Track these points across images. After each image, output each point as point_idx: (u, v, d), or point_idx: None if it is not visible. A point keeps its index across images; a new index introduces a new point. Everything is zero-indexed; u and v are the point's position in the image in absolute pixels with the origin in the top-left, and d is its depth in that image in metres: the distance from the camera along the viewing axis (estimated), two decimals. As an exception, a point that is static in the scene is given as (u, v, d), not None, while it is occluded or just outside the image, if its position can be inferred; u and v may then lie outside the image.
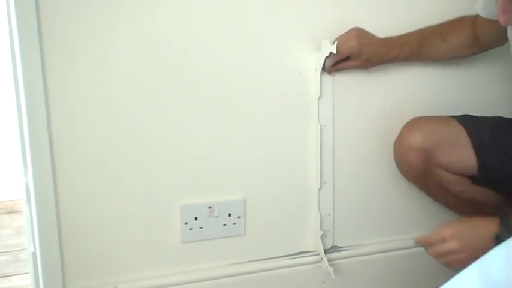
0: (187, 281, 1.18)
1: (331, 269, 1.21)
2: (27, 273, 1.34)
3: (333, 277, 1.21)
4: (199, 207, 1.16)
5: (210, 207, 1.16)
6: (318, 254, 1.25)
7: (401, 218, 1.33)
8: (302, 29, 1.16)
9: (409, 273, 1.35)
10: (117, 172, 1.10)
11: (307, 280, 1.27)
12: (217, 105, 1.13)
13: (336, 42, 1.09)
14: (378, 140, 1.26)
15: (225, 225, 1.19)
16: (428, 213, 1.32)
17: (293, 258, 1.25)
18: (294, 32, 1.15)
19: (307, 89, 1.18)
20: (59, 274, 1.09)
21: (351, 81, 1.21)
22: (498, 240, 0.89)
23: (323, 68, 1.15)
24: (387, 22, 1.19)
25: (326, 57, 1.13)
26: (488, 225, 0.91)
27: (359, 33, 1.14)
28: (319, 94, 1.18)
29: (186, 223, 1.16)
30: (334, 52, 1.09)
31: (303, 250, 1.26)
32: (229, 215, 1.18)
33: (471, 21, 1.17)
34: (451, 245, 0.96)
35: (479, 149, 1.10)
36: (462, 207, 1.21)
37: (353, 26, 1.15)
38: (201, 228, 1.17)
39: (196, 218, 1.16)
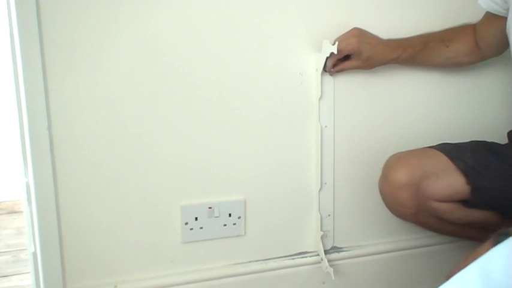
0: (187, 281, 1.18)
1: (331, 270, 1.21)
2: (28, 273, 1.34)
3: (333, 278, 1.21)
4: (199, 207, 1.16)
5: (210, 208, 1.16)
6: (318, 255, 1.25)
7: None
8: (303, 29, 1.16)
9: (409, 274, 1.35)
10: (118, 172, 1.10)
11: (307, 281, 1.27)
12: (217, 105, 1.13)
13: (336, 43, 1.10)
14: (378, 141, 1.26)
15: (225, 225, 1.19)
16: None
17: (293, 258, 1.26)
18: (295, 32, 1.15)
19: (308, 90, 1.18)
20: (59, 274, 1.09)
21: (351, 82, 1.21)
22: None
23: (324, 69, 1.15)
24: (389, 23, 1.20)
25: (327, 58, 1.13)
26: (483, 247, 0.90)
27: (359, 33, 1.14)
28: (320, 95, 1.18)
29: (186, 223, 1.16)
30: (335, 52, 1.10)
31: (303, 251, 1.26)
32: (230, 215, 1.18)
33: (472, 29, 1.18)
34: None
35: (467, 171, 1.09)
36: (464, 233, 1.20)
37: (354, 26, 1.15)
38: (201, 228, 1.17)
39: (196, 218, 1.16)
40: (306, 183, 1.23)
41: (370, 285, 1.32)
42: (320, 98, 1.18)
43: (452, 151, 1.13)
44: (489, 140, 1.19)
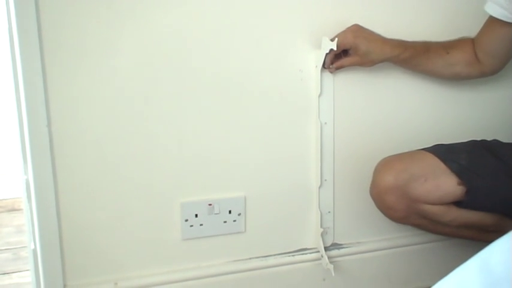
0: (187, 278, 1.18)
1: (331, 266, 1.21)
2: (28, 270, 1.34)
3: (333, 274, 1.21)
4: (199, 204, 1.16)
5: (210, 205, 1.17)
6: (318, 252, 1.25)
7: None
8: (302, 26, 1.15)
9: (409, 270, 1.35)
10: (118, 169, 1.10)
11: (307, 277, 1.27)
12: (217, 102, 1.13)
13: (336, 39, 1.09)
14: (378, 137, 1.26)
15: (225, 222, 1.19)
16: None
17: (293, 255, 1.26)
18: (294, 29, 1.15)
19: (308, 87, 1.18)
20: (59, 271, 1.09)
21: (351, 79, 1.21)
22: None
23: (323, 65, 1.15)
24: (389, 20, 1.19)
25: (326, 54, 1.13)
26: None
27: (357, 28, 1.14)
28: (319, 91, 1.18)
29: (186, 220, 1.16)
30: (335, 49, 1.09)
31: (303, 247, 1.26)
32: (230, 212, 1.18)
33: (471, 41, 1.18)
34: None
35: (460, 173, 1.09)
36: (461, 233, 1.19)
37: (354, 23, 1.15)
38: (201, 225, 1.17)
39: (196, 215, 1.16)
40: (306, 180, 1.23)
41: (370, 282, 1.32)
42: (320, 95, 1.18)
43: (446, 153, 1.12)
44: (491, 138, 1.19)
